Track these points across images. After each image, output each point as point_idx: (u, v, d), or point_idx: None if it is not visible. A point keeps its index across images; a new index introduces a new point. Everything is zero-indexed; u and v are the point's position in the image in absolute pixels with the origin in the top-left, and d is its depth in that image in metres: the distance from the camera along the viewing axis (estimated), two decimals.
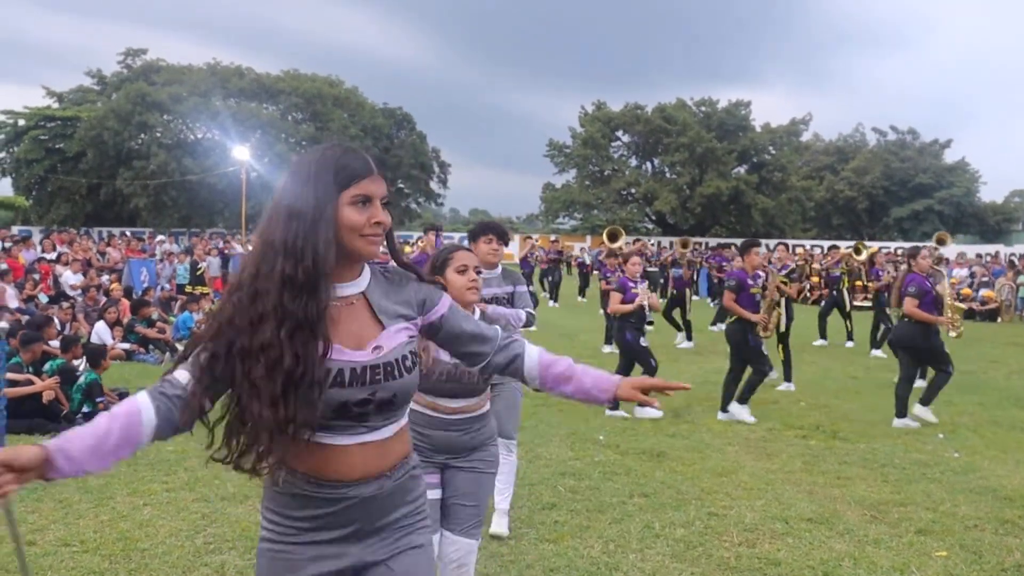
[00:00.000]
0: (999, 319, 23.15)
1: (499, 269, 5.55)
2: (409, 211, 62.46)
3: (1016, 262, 29.21)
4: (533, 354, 2.36)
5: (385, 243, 2.15)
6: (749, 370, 9.28)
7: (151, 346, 13.12)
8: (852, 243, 20.72)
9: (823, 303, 18.38)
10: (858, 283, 23.85)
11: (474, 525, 3.72)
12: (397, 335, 2.13)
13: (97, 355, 9.21)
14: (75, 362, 9.35)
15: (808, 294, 23.23)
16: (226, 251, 27.94)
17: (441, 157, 60.75)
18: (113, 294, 15.45)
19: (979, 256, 30.85)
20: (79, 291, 16.54)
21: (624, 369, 9.68)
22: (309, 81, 53.25)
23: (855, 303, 21.47)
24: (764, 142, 52.82)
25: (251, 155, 40.29)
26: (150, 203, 44.30)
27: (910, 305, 9.17)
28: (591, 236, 45.00)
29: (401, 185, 59.18)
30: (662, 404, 9.67)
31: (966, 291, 22.43)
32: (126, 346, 12.83)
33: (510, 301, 5.74)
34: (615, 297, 9.81)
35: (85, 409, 8.42)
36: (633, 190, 51.87)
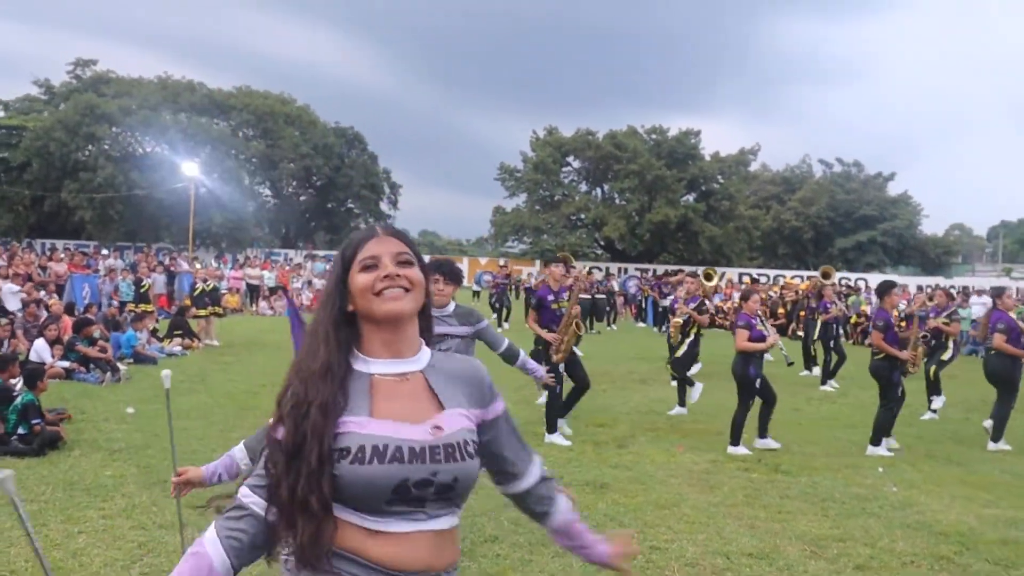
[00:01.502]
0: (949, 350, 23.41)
1: (451, 307, 5.61)
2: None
3: (955, 295, 29.79)
4: (559, 512, 2.34)
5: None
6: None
7: (92, 365, 12.88)
8: (799, 272, 21.05)
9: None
10: (801, 313, 24.33)
11: None
12: (458, 419, 2.06)
13: (35, 376, 9.02)
14: (12, 381, 9.14)
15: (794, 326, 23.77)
16: (172, 268, 27.62)
17: (392, 178, 60.61)
18: (53, 310, 15.18)
19: (920, 288, 31.42)
20: (19, 306, 16.21)
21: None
22: (261, 98, 52.87)
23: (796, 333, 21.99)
24: (713, 171, 53.36)
25: (200, 171, 39.94)
26: (96, 216, 43.52)
27: (999, 340, 10.14)
28: (540, 261, 45.11)
29: (351, 205, 58.91)
30: (608, 435, 9.73)
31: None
32: (66, 364, 12.60)
33: (472, 342, 5.79)
34: (741, 335, 9.64)
35: (20, 431, 8.23)
36: (583, 215, 52.12)
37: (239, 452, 3.65)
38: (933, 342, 13.01)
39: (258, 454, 3.76)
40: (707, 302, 12.65)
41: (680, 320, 11.91)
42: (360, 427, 1.93)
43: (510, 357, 6.56)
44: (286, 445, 1.91)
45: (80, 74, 51.05)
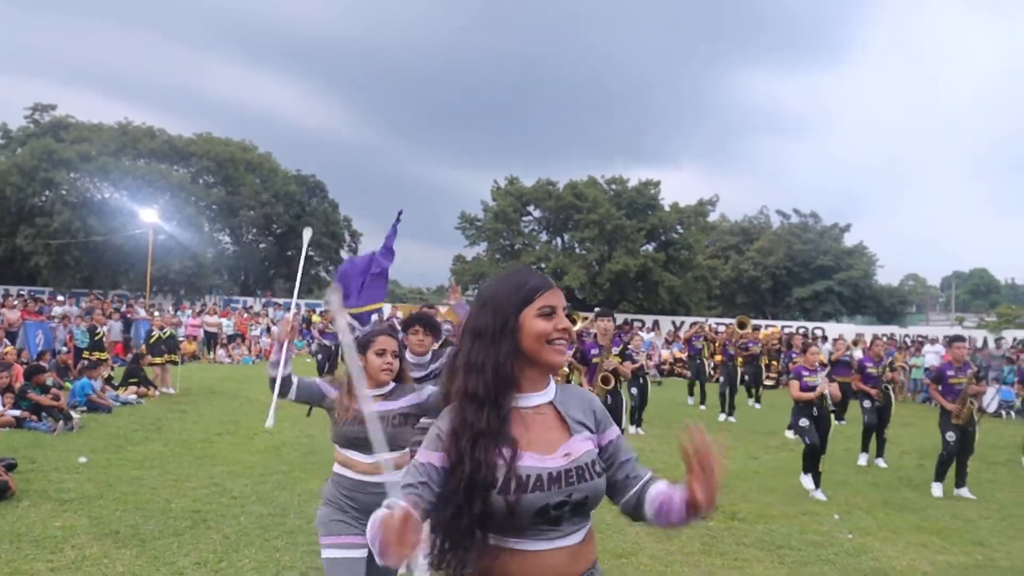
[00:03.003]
0: (895, 399, 23.76)
1: (428, 356, 5.73)
2: (318, 279, 61.97)
3: (910, 343, 30.20)
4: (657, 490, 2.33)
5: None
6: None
7: (44, 413, 12.66)
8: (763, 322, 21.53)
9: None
10: (774, 363, 24.71)
11: None
12: (583, 443, 2.23)
13: None
14: None
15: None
16: (129, 315, 27.33)
17: (352, 226, 60.61)
18: (6, 358, 14.95)
19: (876, 337, 31.82)
20: None
21: None
22: (222, 145, 52.76)
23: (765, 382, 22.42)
24: (672, 221, 53.80)
25: (159, 217, 39.71)
26: (51, 262, 42.96)
27: None
28: None
29: (311, 253, 58.73)
30: None
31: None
32: (16, 413, 12.40)
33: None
34: (794, 385, 10.37)
35: None
36: (543, 265, 52.21)
37: (296, 379, 4.34)
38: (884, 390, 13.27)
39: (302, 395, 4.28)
40: (629, 348, 12.64)
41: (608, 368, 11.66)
42: (509, 459, 2.08)
43: None
44: (452, 472, 2.09)
45: (38, 119, 50.69)
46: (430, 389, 4.20)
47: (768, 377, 23.88)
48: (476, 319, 2.23)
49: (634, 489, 2.31)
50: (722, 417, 17.38)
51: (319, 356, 20.65)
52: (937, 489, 10.48)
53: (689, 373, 21.87)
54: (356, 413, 3.90)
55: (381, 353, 4.09)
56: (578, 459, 2.17)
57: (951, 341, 11.28)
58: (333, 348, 20.73)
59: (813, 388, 10.03)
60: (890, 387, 13.60)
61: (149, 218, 37.87)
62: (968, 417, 10.42)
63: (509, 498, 2.04)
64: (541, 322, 2.18)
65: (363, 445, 3.86)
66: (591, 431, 2.29)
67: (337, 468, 4.00)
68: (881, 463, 12.56)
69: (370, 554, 3.81)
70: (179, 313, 31.44)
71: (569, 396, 2.33)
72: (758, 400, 20.86)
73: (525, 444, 2.13)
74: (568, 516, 2.14)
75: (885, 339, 30.47)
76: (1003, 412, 21.05)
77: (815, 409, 10.11)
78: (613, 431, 2.35)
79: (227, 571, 6.03)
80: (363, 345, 4.12)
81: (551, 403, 2.26)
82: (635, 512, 2.33)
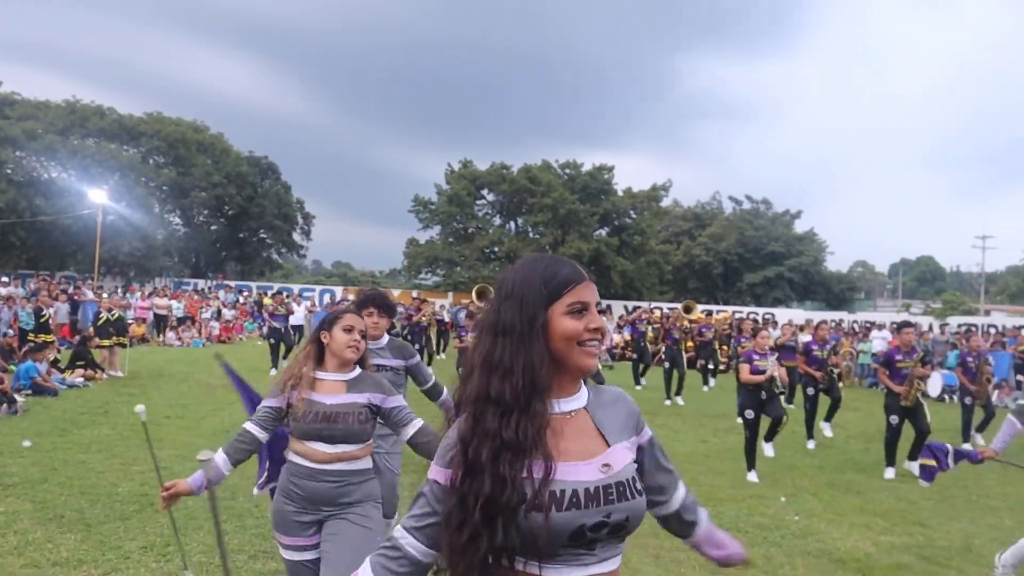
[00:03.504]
0: (840, 383, 24.15)
1: (385, 339, 5.62)
2: (271, 262, 61.49)
3: (858, 329, 30.64)
4: (704, 519, 2.34)
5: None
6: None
7: None
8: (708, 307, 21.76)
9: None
10: (724, 348, 25.08)
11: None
12: (624, 453, 2.00)
13: None
14: None
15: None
16: (76, 297, 26.92)
17: (305, 208, 60.19)
18: None
19: (822, 321, 32.21)
20: None
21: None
22: (173, 125, 52.10)
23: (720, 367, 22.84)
24: (625, 206, 54.08)
25: (108, 197, 39.11)
26: None
27: None
28: (453, 293, 45.10)
29: (263, 235, 58.25)
30: None
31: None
32: None
33: (404, 374, 5.79)
34: (744, 368, 10.40)
35: None
36: (496, 248, 52.28)
37: (221, 460, 3.76)
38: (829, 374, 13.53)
39: (238, 459, 3.86)
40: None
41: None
42: (543, 473, 1.82)
43: (434, 394, 6.54)
44: (469, 491, 1.80)
45: None
46: (399, 401, 4.06)
47: (720, 361, 24.28)
48: (499, 313, 1.94)
49: (673, 511, 2.25)
50: (668, 401, 17.54)
51: (271, 339, 20.49)
52: (890, 472, 10.73)
53: (635, 355, 22.23)
54: (317, 408, 3.77)
55: (348, 330, 3.92)
56: (619, 473, 1.93)
57: (900, 327, 11.53)
58: (283, 330, 20.61)
59: (763, 372, 10.16)
60: (835, 371, 13.82)
61: (98, 198, 37.30)
62: (915, 399, 10.71)
63: (540, 517, 1.78)
64: (571, 321, 1.93)
65: (327, 437, 3.76)
66: (630, 436, 2.08)
67: (292, 456, 3.86)
68: (827, 430, 12.85)
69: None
70: (128, 295, 31.03)
71: (604, 399, 2.10)
72: (713, 377, 21.43)
73: (558, 455, 1.87)
74: (604, 539, 1.88)
75: (833, 325, 30.98)
76: (946, 396, 21.42)
77: (763, 392, 10.24)
78: (647, 433, 2.16)
79: (175, 555, 5.98)
80: (329, 322, 3.97)
81: (585, 409, 2.02)
82: (669, 527, 2.29)
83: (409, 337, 24.60)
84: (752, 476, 10.09)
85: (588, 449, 1.94)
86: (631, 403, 2.15)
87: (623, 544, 1.97)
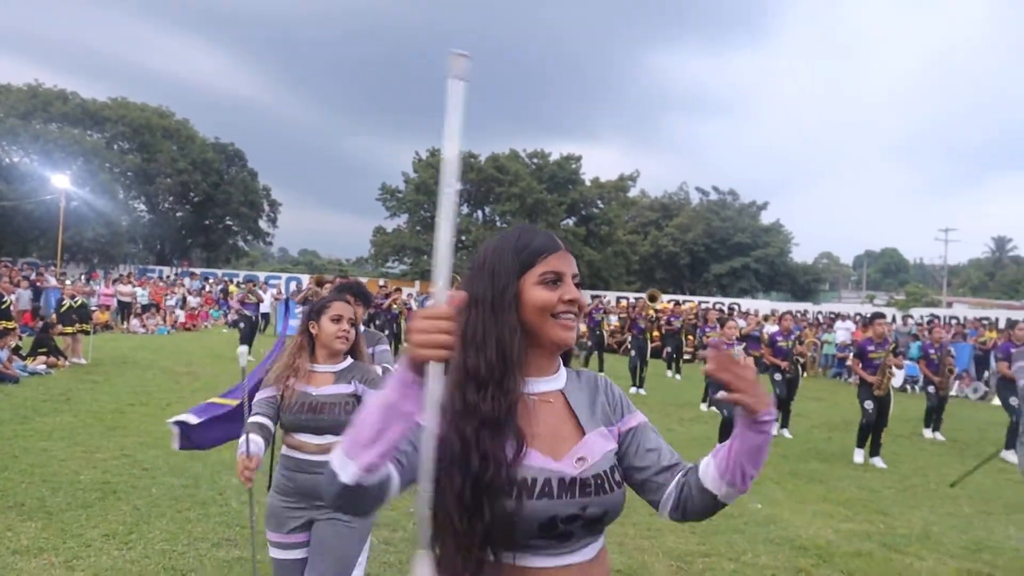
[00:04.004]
0: (804, 374, 24.45)
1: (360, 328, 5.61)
2: (237, 249, 61.08)
3: (822, 320, 30.93)
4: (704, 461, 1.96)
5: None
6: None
7: None
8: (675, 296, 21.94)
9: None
10: (689, 338, 25.29)
11: None
12: (602, 442, 1.88)
13: None
14: None
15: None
16: (39, 284, 26.63)
17: (272, 195, 59.87)
18: None
19: (787, 312, 32.50)
20: None
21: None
22: (138, 110, 51.61)
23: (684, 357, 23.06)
24: (593, 196, 54.26)
25: (72, 183, 38.67)
26: None
27: (1003, 368, 12.35)
28: (420, 281, 45.01)
29: (229, 222, 57.85)
30: None
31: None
32: None
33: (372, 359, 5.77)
34: None
35: None
36: (464, 237, 52.28)
37: (261, 442, 3.74)
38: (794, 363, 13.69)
39: (266, 441, 3.82)
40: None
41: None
42: (513, 455, 1.73)
43: None
44: (476, 469, 1.68)
45: None
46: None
47: (685, 351, 24.46)
48: (472, 283, 1.86)
49: (676, 480, 1.93)
50: (633, 390, 17.63)
51: (241, 325, 20.40)
52: (858, 455, 11.05)
53: (591, 343, 22.54)
54: (304, 399, 3.76)
55: (337, 319, 3.87)
56: (595, 465, 1.82)
57: (872, 318, 11.80)
58: (254, 318, 20.53)
59: None
60: (799, 360, 13.97)
61: (61, 184, 36.88)
62: (887, 388, 10.98)
63: (510, 504, 1.69)
64: (543, 291, 1.83)
65: (313, 428, 3.75)
66: (609, 423, 1.95)
67: (285, 450, 3.85)
68: (786, 433, 12.93)
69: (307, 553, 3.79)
70: (92, 282, 30.72)
71: (583, 383, 1.99)
72: (678, 372, 21.52)
73: (530, 438, 1.77)
74: (580, 532, 1.79)
75: (798, 315, 31.28)
76: (908, 387, 21.71)
77: None
78: (635, 417, 2.01)
79: (137, 543, 5.94)
80: (317, 311, 3.91)
81: (561, 392, 1.91)
82: (688, 503, 1.90)
83: (379, 325, 24.63)
84: None
85: (563, 436, 1.84)
86: (612, 387, 2.05)
87: (602, 532, 1.88)
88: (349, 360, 3.97)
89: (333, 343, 3.87)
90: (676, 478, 1.93)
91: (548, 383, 1.89)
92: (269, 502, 3.89)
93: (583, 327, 29.49)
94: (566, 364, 2.00)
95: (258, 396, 3.96)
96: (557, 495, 1.74)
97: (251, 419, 3.87)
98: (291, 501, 3.79)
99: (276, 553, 3.82)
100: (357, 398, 3.86)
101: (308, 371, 3.87)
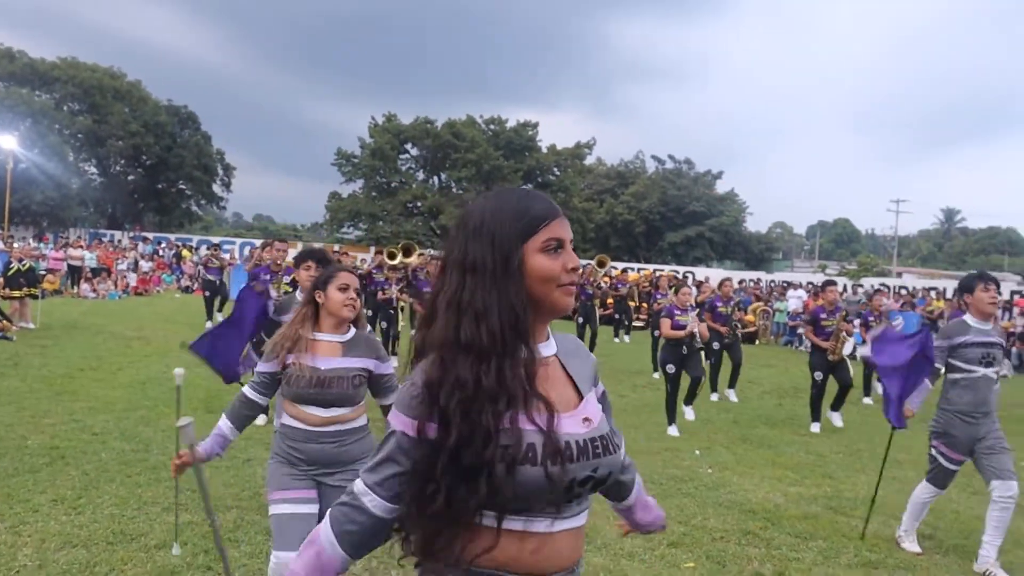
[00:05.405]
0: (756, 341, 24.81)
1: None
2: (190, 213, 60.32)
3: (774, 288, 31.25)
4: (639, 482, 2.32)
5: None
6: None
7: None
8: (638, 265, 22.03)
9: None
10: (643, 305, 25.46)
11: None
12: (596, 405, 1.89)
13: None
14: None
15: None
16: None
17: (226, 159, 59.07)
18: None
19: (741, 282, 32.77)
20: None
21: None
22: (89, 71, 50.59)
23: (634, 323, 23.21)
24: (549, 163, 54.21)
25: (19, 144, 37.93)
26: None
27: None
28: (375, 247, 44.82)
29: (182, 186, 57.09)
30: None
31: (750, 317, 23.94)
32: None
33: None
34: (665, 323, 10.57)
35: None
36: (419, 203, 52.07)
37: (226, 427, 3.85)
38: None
39: (242, 424, 3.92)
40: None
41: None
42: (540, 420, 1.69)
43: None
44: (449, 444, 1.64)
45: None
46: (389, 368, 4.02)
47: (638, 318, 24.63)
48: (466, 249, 1.75)
49: (626, 474, 2.18)
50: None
51: (206, 292, 20.17)
52: (815, 427, 11.22)
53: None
54: (311, 373, 3.76)
55: (344, 288, 3.90)
56: (599, 426, 1.82)
57: (824, 285, 12.01)
58: (218, 283, 20.30)
59: (684, 327, 10.34)
60: (738, 326, 14.18)
61: (8, 145, 36.17)
62: (840, 355, 11.20)
63: (535, 471, 1.65)
64: (547, 260, 1.75)
65: (320, 401, 3.78)
66: (595, 384, 1.97)
67: (287, 420, 3.85)
68: (732, 396, 13.19)
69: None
70: (41, 245, 30.22)
71: (569, 347, 1.97)
72: (627, 333, 21.76)
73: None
74: (586, 493, 1.80)
75: (751, 284, 31.56)
76: (856, 355, 22.06)
77: (684, 347, 10.43)
78: (600, 386, 2.03)
79: (86, 507, 5.90)
80: (324, 281, 3.94)
81: (556, 356, 1.89)
82: (608, 495, 2.19)
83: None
84: (672, 430, 10.31)
85: (567, 401, 1.82)
86: (589, 353, 2.04)
87: (588, 500, 1.87)
88: (353, 331, 4.02)
89: (341, 311, 3.91)
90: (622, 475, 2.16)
91: (545, 348, 1.85)
92: (271, 469, 3.92)
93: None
94: None
95: (257, 369, 4.00)
96: (576, 458, 1.73)
97: (248, 394, 3.94)
98: (298, 470, 3.84)
99: (285, 508, 3.80)
100: (363, 373, 3.92)
101: (311, 340, 3.89)
